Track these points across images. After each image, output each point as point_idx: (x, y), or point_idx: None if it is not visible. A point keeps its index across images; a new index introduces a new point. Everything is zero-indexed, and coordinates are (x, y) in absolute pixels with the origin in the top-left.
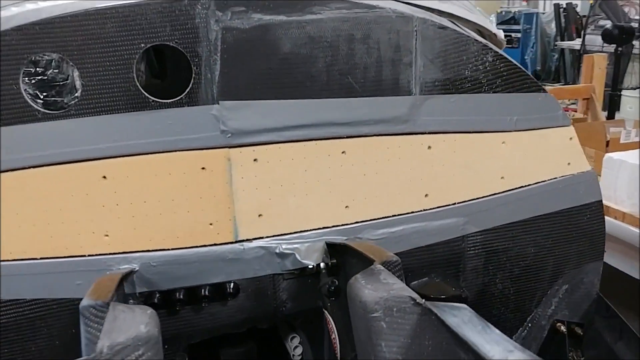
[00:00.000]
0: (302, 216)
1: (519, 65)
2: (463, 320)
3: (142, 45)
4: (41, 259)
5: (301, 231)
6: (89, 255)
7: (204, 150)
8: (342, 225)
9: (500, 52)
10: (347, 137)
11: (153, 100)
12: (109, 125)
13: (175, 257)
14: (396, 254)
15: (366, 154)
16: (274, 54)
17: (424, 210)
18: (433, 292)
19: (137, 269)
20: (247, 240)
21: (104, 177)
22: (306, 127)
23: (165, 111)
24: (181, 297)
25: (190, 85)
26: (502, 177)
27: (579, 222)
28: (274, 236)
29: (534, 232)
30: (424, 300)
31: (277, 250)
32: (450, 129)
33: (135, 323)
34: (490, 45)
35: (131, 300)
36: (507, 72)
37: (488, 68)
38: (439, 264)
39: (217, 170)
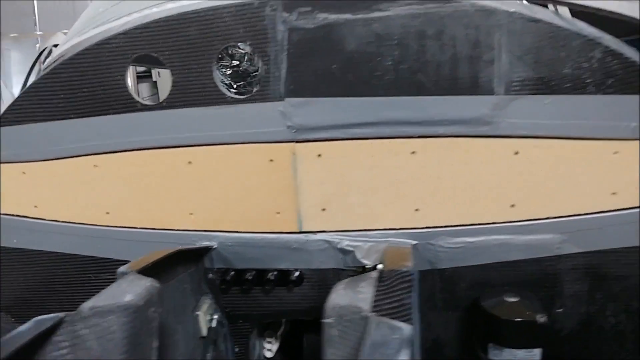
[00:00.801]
0: (366, 214)
1: None
2: (384, 340)
3: (219, 45)
4: (140, 228)
5: (366, 230)
6: (177, 230)
7: (272, 144)
8: (412, 228)
9: (616, 47)
10: (419, 137)
11: (229, 97)
12: (194, 117)
13: (247, 240)
14: (476, 266)
15: (441, 156)
16: (338, 52)
17: (510, 222)
18: (504, 312)
19: (215, 246)
20: (311, 232)
21: (190, 162)
22: (372, 124)
23: (239, 106)
24: (251, 277)
25: (261, 83)
26: (613, 193)
27: (630, 266)
28: (337, 231)
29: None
30: (371, 313)
31: (340, 246)
32: (543, 134)
33: (124, 291)
34: (601, 39)
35: (210, 275)
36: (622, 71)
37: (595, 66)
38: (526, 283)
39: (283, 163)
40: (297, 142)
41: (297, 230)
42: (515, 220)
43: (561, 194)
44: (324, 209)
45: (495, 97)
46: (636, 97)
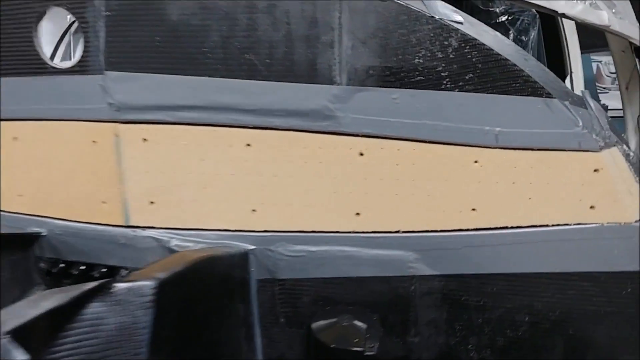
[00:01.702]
0: (199, 212)
1: (511, 56)
2: None
3: (39, 8)
4: None
5: (198, 229)
6: (7, 212)
7: (94, 123)
8: (248, 231)
9: (476, 35)
10: (253, 128)
11: (51, 66)
12: (16, 87)
13: (76, 229)
14: (319, 280)
15: (277, 151)
16: (162, 23)
17: (355, 232)
18: (329, 337)
19: (44, 234)
20: (139, 227)
21: (15, 138)
22: (200, 108)
23: (60, 78)
24: (77, 272)
25: (81, 53)
26: (473, 209)
27: (609, 297)
28: (167, 228)
29: (529, 295)
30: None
31: (168, 245)
32: (391, 134)
33: None
34: (457, 24)
35: (42, 264)
36: (483, 64)
37: (452, 57)
38: (376, 304)
39: (106, 145)
40: (121, 122)
41: (124, 224)
42: (361, 231)
43: (412, 206)
44: (152, 202)
45: (336, 88)
46: (501, 97)
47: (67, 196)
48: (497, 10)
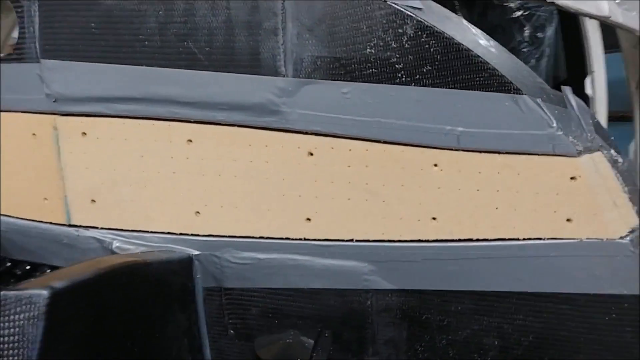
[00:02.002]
0: (141, 212)
1: (476, 46)
2: None
3: None
4: None
5: (140, 231)
6: None
7: (33, 114)
8: (193, 235)
9: (434, 23)
10: (195, 122)
11: None
12: None
13: (20, 227)
14: (268, 290)
15: (221, 148)
16: (96, 7)
17: (305, 239)
18: (269, 354)
19: None
20: (82, 227)
21: None
22: (138, 100)
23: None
24: (20, 272)
25: (17, 39)
26: (433, 218)
27: (590, 323)
28: (108, 229)
29: (498, 317)
30: None
31: (111, 247)
32: (343, 133)
33: None
34: (414, 10)
35: None
36: (443, 56)
37: (407, 46)
38: (329, 319)
39: (45, 138)
40: (59, 114)
41: (66, 223)
42: (312, 238)
43: (366, 213)
44: (93, 201)
45: (281, 80)
46: (463, 93)
47: (11, 191)
48: (512, 5)
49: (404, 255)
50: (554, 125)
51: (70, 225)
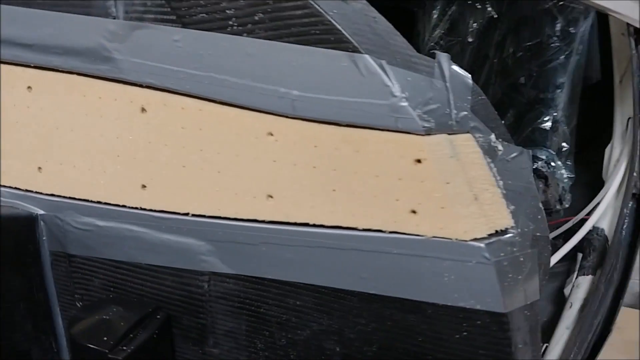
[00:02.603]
0: None
1: None
2: None
3: None
4: None
5: None
6: None
7: None
8: (37, 193)
9: None
10: (35, 67)
11: None
12: None
13: None
14: (110, 262)
15: (58, 98)
16: None
17: (142, 209)
18: (78, 328)
19: None
20: None
21: None
22: None
23: None
24: None
25: None
26: (269, 196)
27: (438, 338)
28: None
29: (339, 319)
30: None
31: None
32: (175, 88)
33: None
34: None
35: None
36: (275, 2)
37: None
38: (167, 301)
39: None
40: None
41: None
42: (148, 208)
43: (202, 184)
44: None
45: (112, 22)
46: (295, 48)
47: None
48: None
49: (241, 237)
50: (397, 94)
51: None
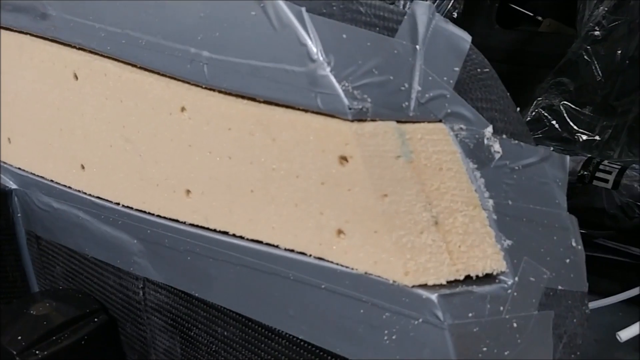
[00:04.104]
0: None
1: None
2: None
3: None
4: None
5: None
6: None
7: None
8: (9, 165)
9: None
10: None
11: None
12: None
13: None
14: (66, 249)
15: (11, 61)
16: None
17: (81, 192)
18: (8, 322)
19: None
20: None
21: None
22: None
23: None
24: None
25: None
26: (188, 191)
27: None
28: None
29: None
30: None
31: None
32: (99, 49)
33: None
34: None
35: None
36: None
37: None
38: (110, 302)
39: None
40: None
41: None
42: (87, 192)
43: (128, 170)
44: None
45: None
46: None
47: None
48: None
49: (167, 239)
50: (316, 57)
51: None
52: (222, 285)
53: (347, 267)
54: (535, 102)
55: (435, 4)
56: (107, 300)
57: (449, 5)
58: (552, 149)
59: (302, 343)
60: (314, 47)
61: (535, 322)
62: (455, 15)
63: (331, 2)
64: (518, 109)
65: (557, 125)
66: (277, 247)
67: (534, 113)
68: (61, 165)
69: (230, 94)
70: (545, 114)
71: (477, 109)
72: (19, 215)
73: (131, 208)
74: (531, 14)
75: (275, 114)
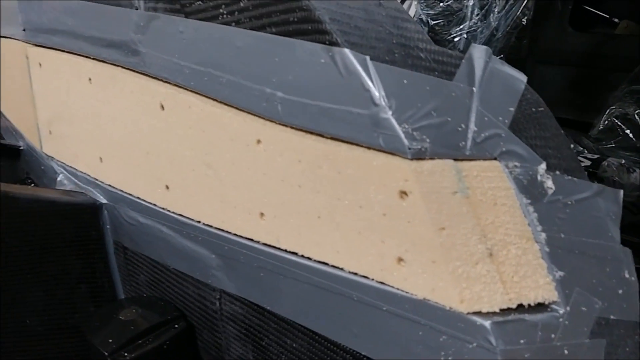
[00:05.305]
0: (70, 149)
1: None
2: None
3: None
4: None
5: (73, 167)
6: None
7: (13, 40)
8: (101, 182)
9: None
10: (93, 60)
11: None
12: None
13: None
14: (150, 260)
15: (108, 91)
16: None
17: (167, 210)
18: (93, 327)
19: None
20: (48, 155)
21: None
22: (59, 33)
23: None
24: None
25: None
26: (262, 214)
27: None
28: (59, 162)
29: None
30: None
31: (58, 179)
32: (184, 84)
33: None
34: None
35: None
36: None
37: None
38: (189, 310)
39: (22, 66)
40: (28, 43)
41: (40, 150)
42: (172, 211)
43: (208, 192)
44: (50, 132)
45: (136, 13)
46: (277, 39)
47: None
48: None
49: (242, 256)
50: (379, 101)
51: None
52: (291, 300)
53: (406, 292)
54: (608, 111)
55: (505, 9)
56: (186, 308)
57: (519, 12)
58: (623, 161)
59: (364, 359)
60: (376, 92)
61: (587, 350)
62: (524, 21)
63: (393, 50)
64: (572, 145)
65: (631, 135)
66: (341, 269)
67: (607, 122)
68: (147, 185)
69: (301, 129)
70: (619, 123)
71: (532, 146)
72: (108, 227)
73: (211, 226)
74: (607, 16)
75: (341, 150)
